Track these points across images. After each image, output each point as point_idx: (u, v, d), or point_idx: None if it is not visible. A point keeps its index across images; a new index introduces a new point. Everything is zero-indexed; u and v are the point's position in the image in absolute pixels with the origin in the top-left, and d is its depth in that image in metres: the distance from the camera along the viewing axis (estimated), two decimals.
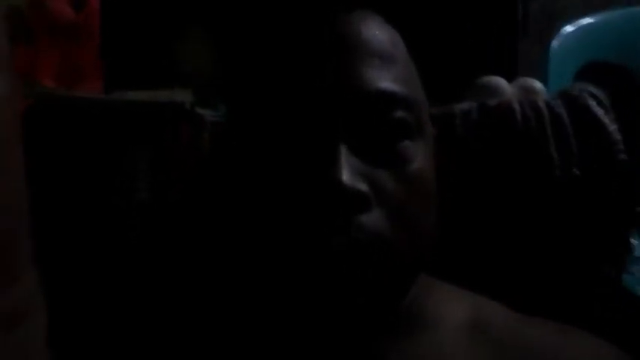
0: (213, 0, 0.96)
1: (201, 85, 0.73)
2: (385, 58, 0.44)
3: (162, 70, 0.89)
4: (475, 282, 0.52)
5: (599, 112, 0.63)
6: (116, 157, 0.69)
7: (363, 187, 0.40)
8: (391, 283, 0.41)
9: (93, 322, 0.57)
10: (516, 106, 0.63)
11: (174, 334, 0.47)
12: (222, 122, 0.65)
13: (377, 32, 0.45)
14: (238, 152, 0.44)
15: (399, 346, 0.45)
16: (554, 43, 1.00)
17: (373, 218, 0.40)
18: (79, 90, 1.10)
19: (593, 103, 0.63)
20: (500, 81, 0.70)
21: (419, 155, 0.43)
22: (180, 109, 0.70)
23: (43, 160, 0.67)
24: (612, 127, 0.62)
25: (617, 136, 0.61)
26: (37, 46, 1.22)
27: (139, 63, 0.95)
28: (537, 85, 0.70)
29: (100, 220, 0.66)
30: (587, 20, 1.05)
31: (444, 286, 0.50)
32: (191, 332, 0.47)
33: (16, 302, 0.25)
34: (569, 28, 1.03)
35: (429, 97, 0.50)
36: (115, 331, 0.50)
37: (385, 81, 0.43)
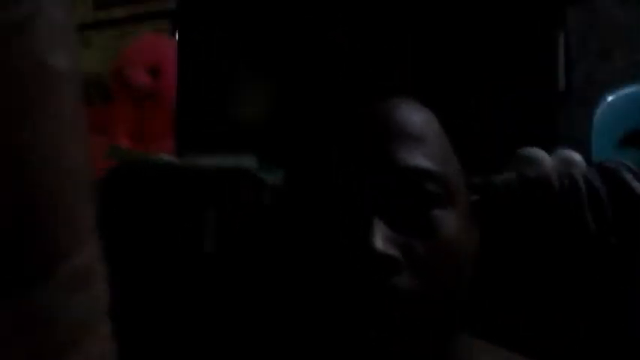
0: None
1: (264, 151, 0.80)
2: (416, 138, 0.50)
3: (230, 135, 0.97)
4: (510, 340, 0.56)
5: (635, 184, 0.66)
6: (187, 217, 0.76)
7: (394, 252, 0.46)
8: (420, 333, 0.46)
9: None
10: (555, 179, 0.67)
11: None
12: (280, 185, 0.72)
13: (410, 115, 0.52)
14: (290, 217, 0.51)
15: None
16: (598, 112, 1.03)
17: (404, 278, 0.46)
18: (151, 148, 1.20)
19: (629, 176, 0.67)
20: (540, 152, 0.74)
21: (448, 223, 0.49)
22: (244, 174, 0.78)
23: (121, 218, 0.75)
24: None
25: None
26: (115, 108, 1.33)
27: (209, 127, 1.04)
28: (576, 157, 0.74)
29: (171, 271, 0.73)
30: (630, 90, 1.08)
31: (481, 345, 0.54)
32: None
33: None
34: (612, 97, 1.06)
35: (474, 166, 0.55)
36: None
37: (416, 158, 0.49)
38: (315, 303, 0.48)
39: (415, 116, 0.52)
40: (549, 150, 0.75)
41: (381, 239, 0.45)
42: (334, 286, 0.47)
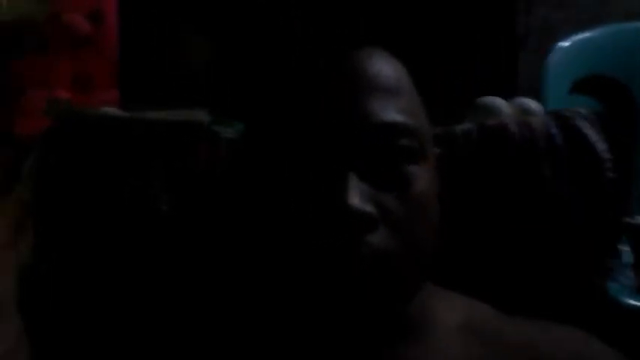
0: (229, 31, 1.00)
1: (217, 104, 0.77)
2: (390, 91, 0.48)
3: (178, 87, 0.93)
4: (467, 286, 0.57)
5: (590, 132, 0.67)
6: (136, 174, 0.73)
7: (370, 209, 0.44)
8: (394, 292, 0.46)
9: (109, 327, 0.62)
10: (513, 127, 0.67)
11: (185, 337, 0.52)
12: (237, 140, 0.69)
13: (383, 67, 0.50)
14: (254, 172, 0.49)
15: (398, 350, 0.49)
16: (551, 58, 1.04)
17: (379, 236, 0.45)
18: (94, 99, 1.14)
19: (584, 124, 0.68)
20: (498, 101, 0.74)
21: (421, 178, 0.48)
22: (198, 127, 0.74)
23: (64, 176, 0.71)
24: (602, 147, 0.66)
25: (607, 155, 0.66)
26: (52, 57, 1.25)
27: (155, 78, 0.99)
28: (534, 105, 0.75)
29: (121, 232, 0.70)
30: (582, 35, 1.09)
31: (439, 291, 0.55)
32: (203, 337, 0.51)
33: None
34: (565, 43, 1.07)
35: (432, 115, 0.55)
36: (133, 338, 0.55)
37: (390, 112, 0.47)
38: (286, 263, 0.46)
39: (388, 68, 0.50)
40: (507, 98, 0.75)
41: (356, 195, 0.44)
42: (306, 244, 0.45)
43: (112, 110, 0.82)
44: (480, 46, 0.96)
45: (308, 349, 0.49)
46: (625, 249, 0.81)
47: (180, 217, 0.69)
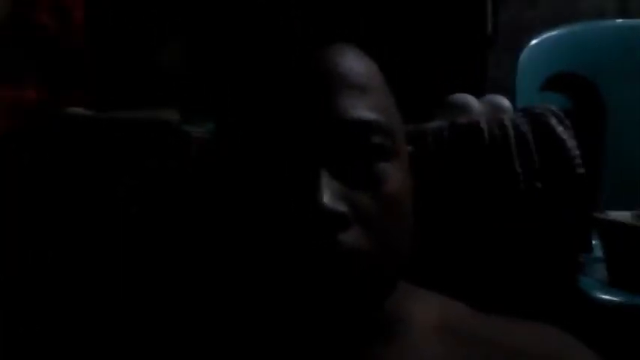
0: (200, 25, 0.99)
1: (186, 104, 0.76)
2: (362, 89, 0.48)
3: (148, 88, 0.91)
4: (442, 285, 0.57)
5: (560, 129, 0.68)
6: (106, 174, 0.72)
7: (342, 207, 0.44)
8: (368, 290, 0.45)
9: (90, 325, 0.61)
10: (484, 125, 0.68)
11: (168, 336, 0.51)
12: (207, 138, 0.68)
13: (354, 64, 0.49)
14: (226, 170, 0.48)
15: (375, 349, 0.49)
16: (522, 56, 1.05)
17: (352, 235, 0.44)
18: (63, 100, 1.12)
19: (554, 121, 0.68)
20: (469, 99, 0.74)
21: (394, 176, 0.48)
22: (166, 126, 0.73)
23: (36, 175, 0.70)
24: (571, 143, 0.67)
25: (576, 152, 0.67)
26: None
27: (124, 80, 0.98)
28: (504, 102, 0.75)
29: (92, 233, 0.69)
30: (553, 33, 1.10)
31: (415, 291, 0.54)
32: (184, 334, 0.50)
33: None
34: (536, 41, 1.08)
35: (403, 113, 0.54)
36: (114, 335, 0.54)
37: (362, 110, 0.47)
38: (256, 262, 0.46)
39: (359, 65, 0.49)
40: (478, 96, 0.76)
41: (328, 194, 0.43)
42: (277, 243, 0.44)
43: (81, 110, 0.80)
44: (450, 44, 0.96)
45: (285, 347, 0.48)
46: (595, 243, 0.82)
47: (150, 216, 0.68)
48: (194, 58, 0.95)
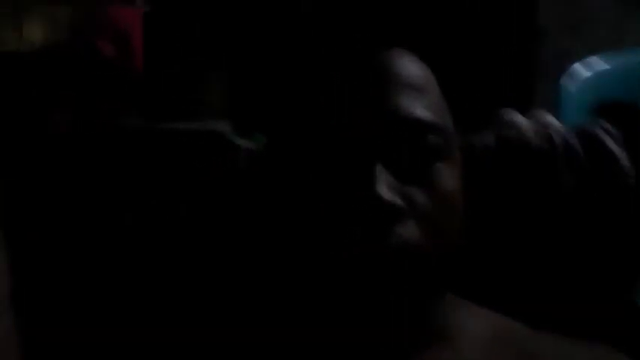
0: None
1: (237, 117, 0.78)
2: (419, 89, 0.50)
3: (198, 103, 0.95)
4: (490, 299, 0.56)
5: (612, 144, 0.67)
6: (157, 184, 0.74)
7: (398, 201, 0.45)
8: (421, 284, 0.46)
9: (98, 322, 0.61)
10: (532, 138, 0.67)
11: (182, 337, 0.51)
12: (256, 149, 0.70)
13: (411, 66, 0.51)
14: (282, 176, 0.49)
15: (424, 356, 0.49)
16: (565, 82, 1.05)
17: (408, 228, 0.45)
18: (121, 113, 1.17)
19: (606, 137, 0.68)
20: (516, 114, 0.75)
21: (448, 177, 0.48)
22: (218, 138, 0.76)
23: (99, 185, 0.72)
24: (621, 155, 0.66)
25: (627, 164, 0.66)
26: None
27: (177, 88, 1.01)
28: (551, 119, 0.75)
29: (147, 238, 0.71)
30: (596, 59, 1.10)
31: (466, 304, 0.54)
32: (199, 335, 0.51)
33: None
34: (579, 67, 1.08)
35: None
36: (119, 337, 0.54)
37: (420, 109, 0.48)
38: (316, 259, 0.46)
39: (416, 67, 0.51)
40: (523, 112, 0.75)
41: (385, 187, 0.44)
42: (335, 240, 0.45)
43: (132, 121, 0.83)
44: (498, 67, 0.97)
45: (336, 347, 0.48)
46: None
47: (199, 226, 0.69)
48: (247, 69, 0.99)
